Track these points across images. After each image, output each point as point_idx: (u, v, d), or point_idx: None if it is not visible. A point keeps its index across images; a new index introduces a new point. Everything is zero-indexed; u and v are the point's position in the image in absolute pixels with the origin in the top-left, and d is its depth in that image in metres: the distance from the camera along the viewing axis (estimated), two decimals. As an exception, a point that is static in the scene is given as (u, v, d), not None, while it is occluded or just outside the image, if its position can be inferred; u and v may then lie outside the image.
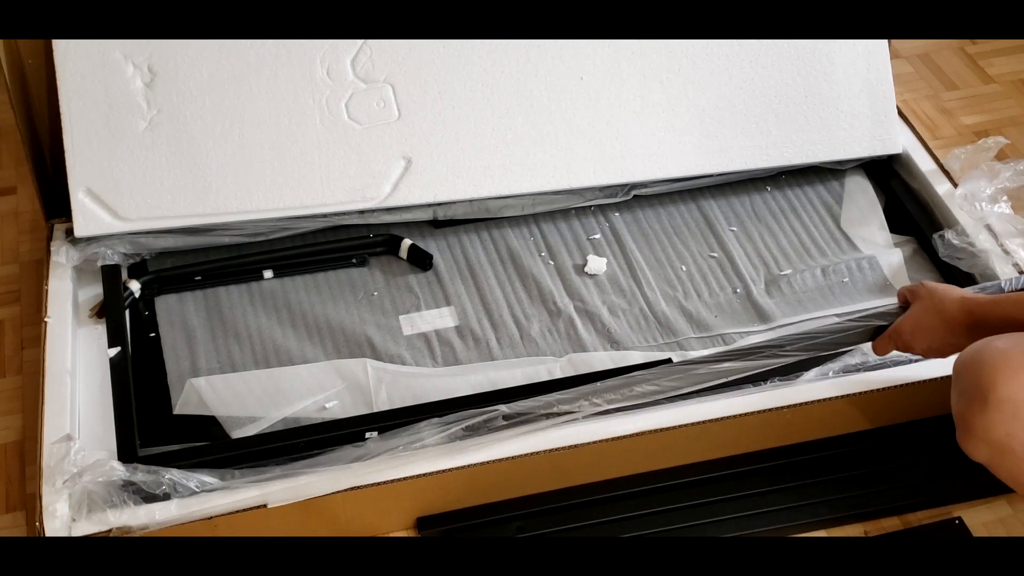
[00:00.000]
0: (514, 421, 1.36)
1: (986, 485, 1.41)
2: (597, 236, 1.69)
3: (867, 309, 1.48)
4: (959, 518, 1.40)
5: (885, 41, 1.75)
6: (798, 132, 1.72)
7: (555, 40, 1.66)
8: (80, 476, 1.30)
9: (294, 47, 1.61)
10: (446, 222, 1.68)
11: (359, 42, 1.63)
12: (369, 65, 1.63)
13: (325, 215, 1.63)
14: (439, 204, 1.65)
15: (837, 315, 1.57)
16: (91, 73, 1.57)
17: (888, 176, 1.77)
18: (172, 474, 1.31)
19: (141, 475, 1.31)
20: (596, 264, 1.64)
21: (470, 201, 1.66)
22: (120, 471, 1.30)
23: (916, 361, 1.44)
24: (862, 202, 1.75)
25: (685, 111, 1.69)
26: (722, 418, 1.40)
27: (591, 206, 1.72)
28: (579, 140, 1.67)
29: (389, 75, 1.64)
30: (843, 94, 1.73)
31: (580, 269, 1.65)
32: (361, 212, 1.64)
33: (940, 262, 1.64)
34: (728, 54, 1.70)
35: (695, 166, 1.70)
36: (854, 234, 1.70)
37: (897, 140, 1.75)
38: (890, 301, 1.58)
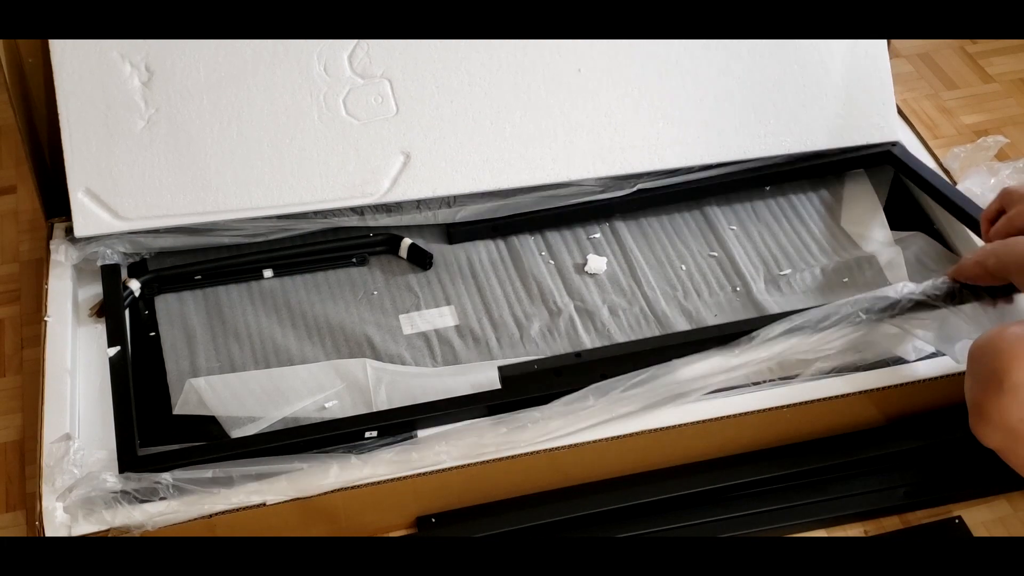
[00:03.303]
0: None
1: (986, 484, 1.41)
2: (597, 235, 1.69)
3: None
4: (959, 517, 1.40)
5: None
6: (796, 122, 1.72)
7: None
8: (71, 491, 1.30)
9: (291, 44, 1.61)
10: (459, 228, 1.67)
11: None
12: (366, 61, 1.63)
13: (324, 212, 1.63)
14: (442, 209, 1.66)
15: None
16: (88, 73, 1.57)
17: (888, 175, 1.77)
18: (164, 478, 1.31)
19: (133, 484, 1.31)
20: (596, 264, 1.64)
21: (476, 198, 1.66)
22: (112, 482, 1.30)
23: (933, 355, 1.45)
24: (862, 201, 1.75)
25: (683, 102, 1.69)
26: (721, 417, 1.40)
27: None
28: (578, 132, 1.67)
29: (386, 70, 1.64)
30: (840, 83, 1.72)
31: (580, 268, 1.64)
32: (360, 208, 1.64)
33: (940, 261, 1.64)
34: (726, 44, 1.70)
35: (694, 156, 1.69)
36: (854, 233, 1.70)
37: (895, 128, 1.75)
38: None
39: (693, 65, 1.69)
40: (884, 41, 1.74)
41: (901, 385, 1.43)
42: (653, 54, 1.68)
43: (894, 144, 1.75)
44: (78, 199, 1.56)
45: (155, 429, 1.42)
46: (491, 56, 1.65)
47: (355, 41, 1.63)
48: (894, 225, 1.71)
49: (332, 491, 1.32)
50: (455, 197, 1.66)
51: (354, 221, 1.65)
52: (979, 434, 1.21)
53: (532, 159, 1.65)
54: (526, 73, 1.66)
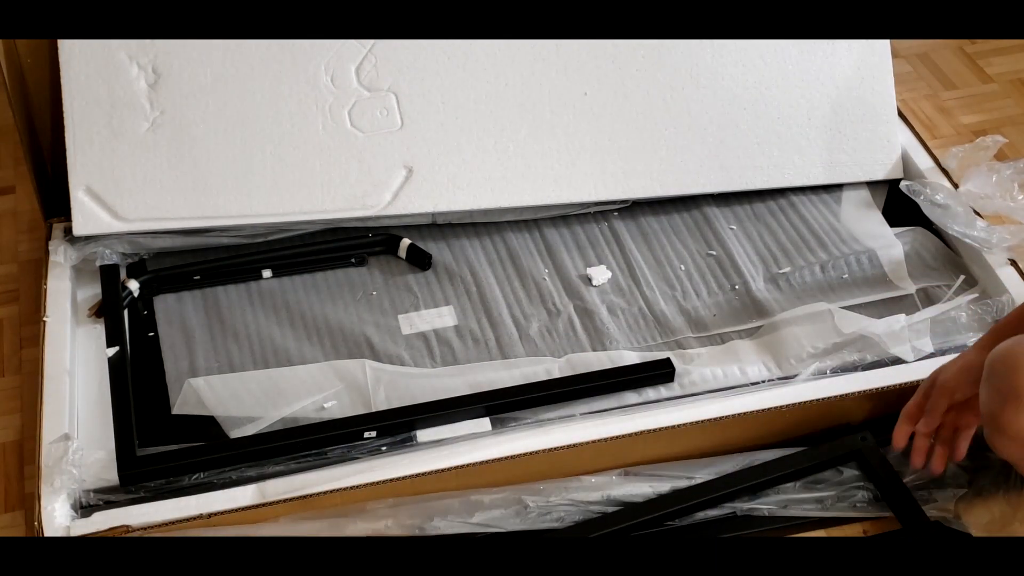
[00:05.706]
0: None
1: (985, 484, 1.41)
2: (596, 236, 1.69)
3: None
4: (957, 517, 1.40)
5: (890, 68, 1.74)
6: (800, 155, 1.72)
7: (559, 53, 1.66)
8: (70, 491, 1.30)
9: (299, 53, 1.61)
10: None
11: (364, 50, 1.63)
12: (373, 73, 1.63)
13: (324, 221, 1.63)
14: (439, 212, 1.66)
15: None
16: (95, 73, 1.57)
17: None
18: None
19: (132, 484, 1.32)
20: (599, 275, 1.63)
21: (470, 212, 1.66)
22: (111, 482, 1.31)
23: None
24: (861, 197, 1.75)
25: (687, 130, 1.69)
26: (722, 417, 1.40)
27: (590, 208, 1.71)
28: (581, 155, 1.66)
29: (393, 84, 1.64)
30: (846, 119, 1.73)
31: (579, 269, 1.64)
32: (361, 220, 1.64)
33: (938, 258, 1.64)
34: (732, 75, 1.70)
35: (696, 184, 1.69)
36: (853, 229, 1.70)
37: (899, 167, 1.75)
38: (888, 295, 1.59)
39: (698, 93, 1.70)
40: (891, 79, 1.73)
41: (901, 385, 1.43)
42: (659, 81, 1.68)
43: (898, 181, 1.74)
44: (78, 198, 1.56)
45: (154, 429, 1.42)
46: (498, 75, 1.65)
47: (363, 53, 1.63)
48: (893, 221, 1.71)
49: (331, 491, 1.32)
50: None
51: (353, 221, 1.65)
52: (994, 445, 1.20)
53: (534, 179, 1.65)
54: (532, 93, 1.66)
